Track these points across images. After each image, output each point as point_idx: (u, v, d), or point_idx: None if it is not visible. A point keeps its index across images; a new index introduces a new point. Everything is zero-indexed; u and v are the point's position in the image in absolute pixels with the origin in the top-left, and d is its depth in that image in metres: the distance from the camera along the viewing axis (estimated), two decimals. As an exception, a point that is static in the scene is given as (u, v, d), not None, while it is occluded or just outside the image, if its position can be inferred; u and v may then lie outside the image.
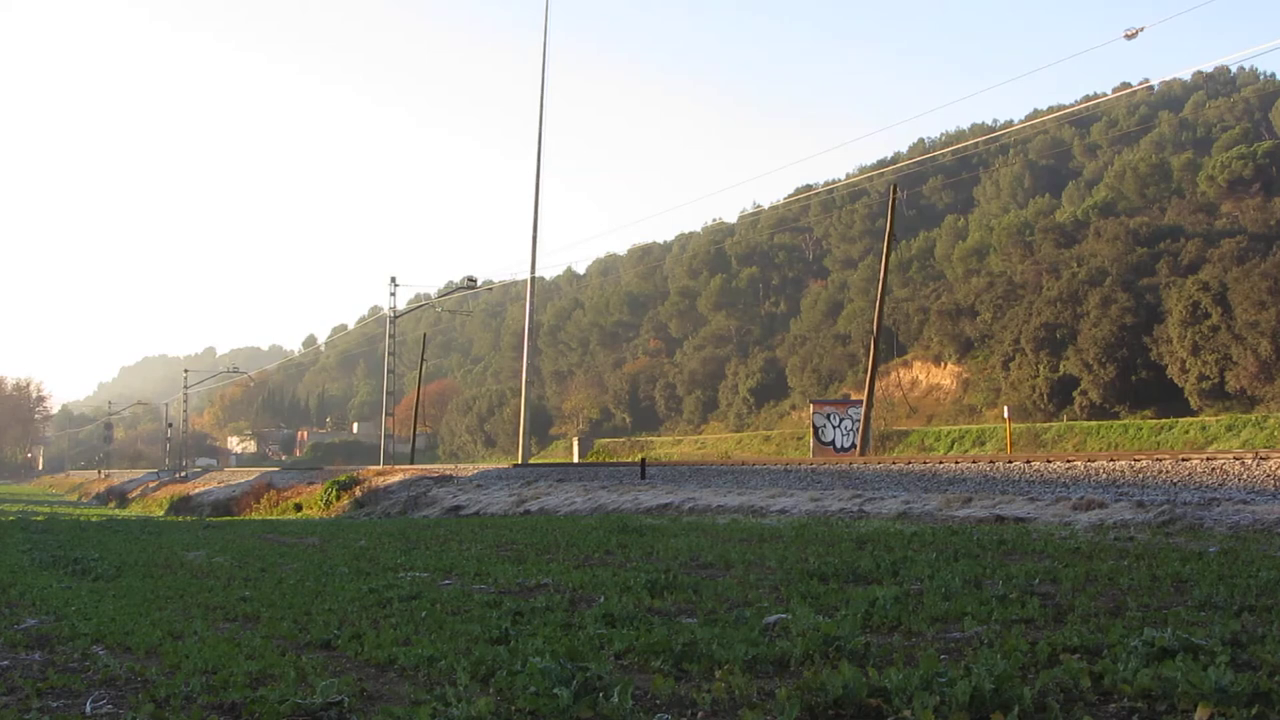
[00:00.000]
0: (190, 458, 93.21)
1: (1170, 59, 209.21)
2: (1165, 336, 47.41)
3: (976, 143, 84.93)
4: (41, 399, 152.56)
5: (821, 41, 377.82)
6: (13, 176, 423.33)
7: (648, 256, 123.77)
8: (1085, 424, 46.11)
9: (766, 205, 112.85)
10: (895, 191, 36.16)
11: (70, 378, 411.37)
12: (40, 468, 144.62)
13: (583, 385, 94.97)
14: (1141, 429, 41.59)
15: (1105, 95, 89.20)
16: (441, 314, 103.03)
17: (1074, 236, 63.37)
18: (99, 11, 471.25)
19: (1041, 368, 51.48)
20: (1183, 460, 15.40)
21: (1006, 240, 68.82)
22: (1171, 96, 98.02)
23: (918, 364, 65.48)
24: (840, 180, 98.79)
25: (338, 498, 31.20)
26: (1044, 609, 5.32)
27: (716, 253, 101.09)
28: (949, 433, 49.94)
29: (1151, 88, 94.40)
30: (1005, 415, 40.37)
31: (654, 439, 71.75)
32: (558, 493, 22.16)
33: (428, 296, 79.13)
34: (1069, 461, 17.31)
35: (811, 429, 43.22)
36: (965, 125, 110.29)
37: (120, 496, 62.59)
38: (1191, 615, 4.93)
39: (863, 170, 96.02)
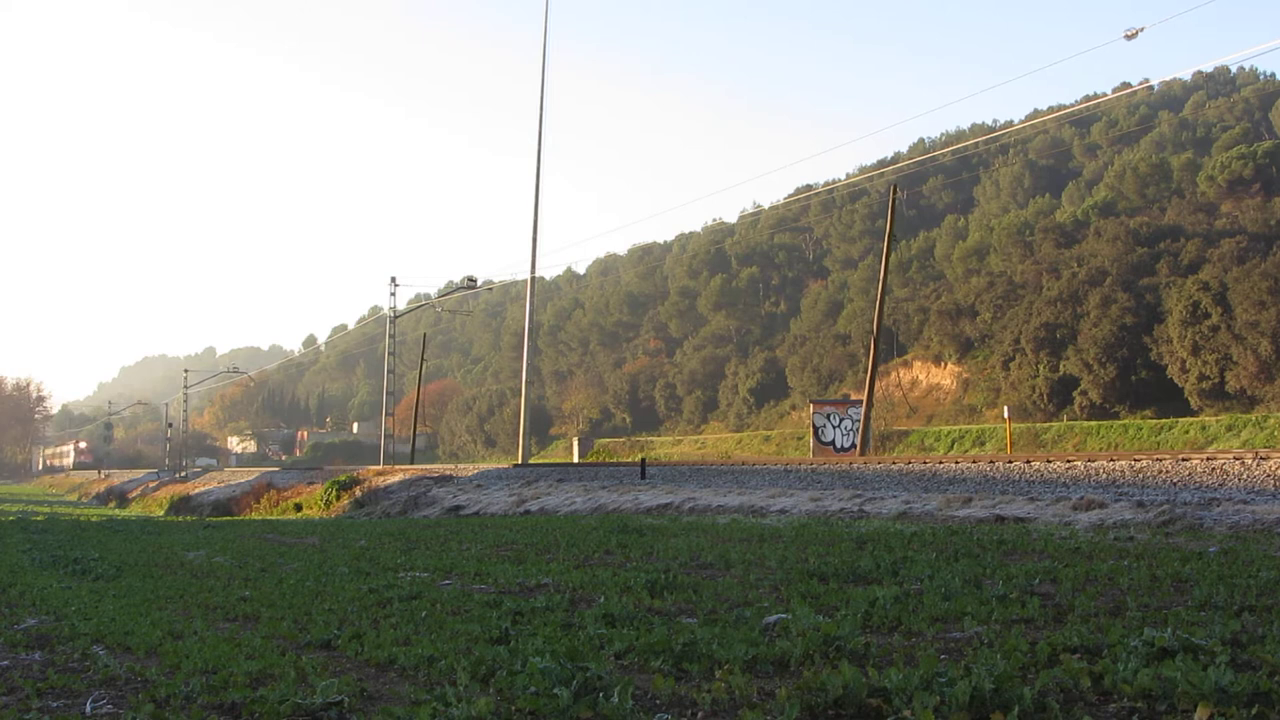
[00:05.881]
0: (190, 458, 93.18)
1: (1170, 59, 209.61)
2: (1165, 336, 47.39)
3: (976, 143, 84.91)
4: (41, 399, 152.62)
5: (821, 41, 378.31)
6: (13, 176, 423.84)
7: (648, 256, 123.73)
8: (1085, 424, 46.09)
9: (766, 205, 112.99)
10: (895, 191, 36.14)
11: (70, 378, 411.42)
12: (41, 467, 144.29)
13: (583, 385, 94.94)
14: (1141, 429, 41.57)
15: (1105, 95, 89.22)
16: (441, 314, 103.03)
17: (1074, 236, 63.34)
18: (99, 11, 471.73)
19: (1041, 368, 51.46)
20: (1183, 460, 15.40)
21: (1006, 240, 68.78)
22: (1171, 96, 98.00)
23: (918, 364, 65.45)
24: (840, 180, 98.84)
25: (338, 498, 31.18)
26: (1044, 609, 5.32)
27: (716, 253, 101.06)
28: (949, 433, 49.92)
29: (1151, 88, 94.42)
30: (1005, 415, 40.36)
31: (654, 439, 71.73)
32: (558, 493, 22.16)
33: (428, 296, 79.22)
34: (1069, 461, 17.31)
35: (811, 429, 43.22)
36: (965, 125, 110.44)
37: (120, 496, 62.56)
38: (1191, 615, 4.93)
39: (863, 170, 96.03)
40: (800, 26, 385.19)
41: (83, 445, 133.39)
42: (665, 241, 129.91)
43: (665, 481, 21.95)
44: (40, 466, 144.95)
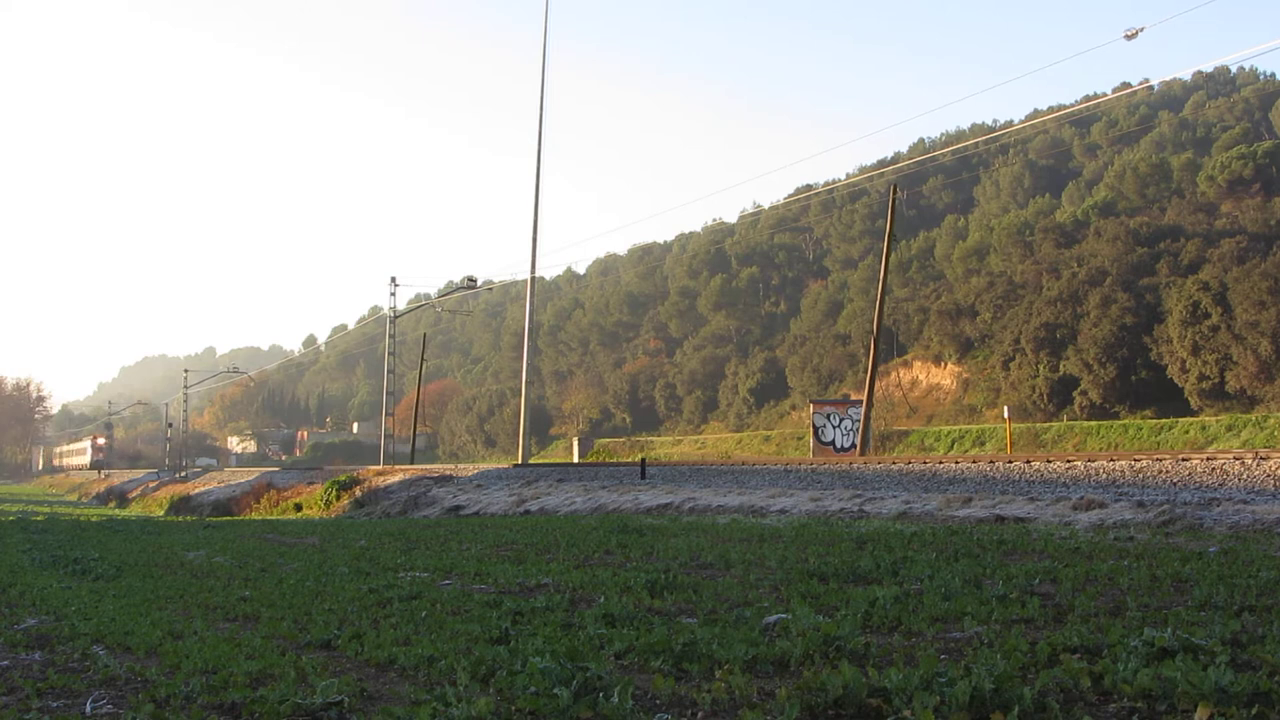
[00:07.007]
0: (190, 458, 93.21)
1: (1170, 59, 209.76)
2: (1165, 336, 47.38)
3: (976, 143, 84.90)
4: (41, 399, 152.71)
5: (821, 41, 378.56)
6: (13, 176, 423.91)
7: (648, 256, 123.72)
8: (1085, 424, 46.08)
9: (766, 205, 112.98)
10: (895, 191, 36.13)
11: (70, 378, 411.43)
12: (42, 466, 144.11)
13: (583, 385, 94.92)
14: (1141, 429, 41.56)
15: (1105, 95, 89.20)
16: (441, 314, 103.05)
17: (1074, 236, 63.33)
18: (99, 11, 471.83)
19: (1041, 368, 51.46)
20: (1183, 460, 15.40)
21: (1006, 240, 68.77)
22: (1171, 96, 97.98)
23: (918, 364, 65.44)
24: (840, 180, 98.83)
25: (338, 498, 31.18)
26: (1044, 609, 5.32)
27: (716, 253, 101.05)
28: (949, 433, 49.92)
29: (1151, 88, 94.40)
30: (1005, 415, 40.34)
31: (654, 439, 71.73)
32: (558, 493, 22.16)
33: (428, 296, 79.23)
34: (1069, 461, 17.31)
35: (811, 429, 43.21)
36: (965, 125, 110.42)
37: (120, 496, 62.56)
38: (1191, 615, 4.93)
39: (863, 170, 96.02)
40: (800, 26, 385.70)
41: (100, 441, 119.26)
42: (665, 241, 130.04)
43: (665, 481, 21.95)
44: (40, 466, 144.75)
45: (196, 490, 51.15)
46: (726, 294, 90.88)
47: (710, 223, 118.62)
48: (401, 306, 58.26)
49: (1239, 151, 63.44)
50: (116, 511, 46.11)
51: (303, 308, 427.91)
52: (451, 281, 72.42)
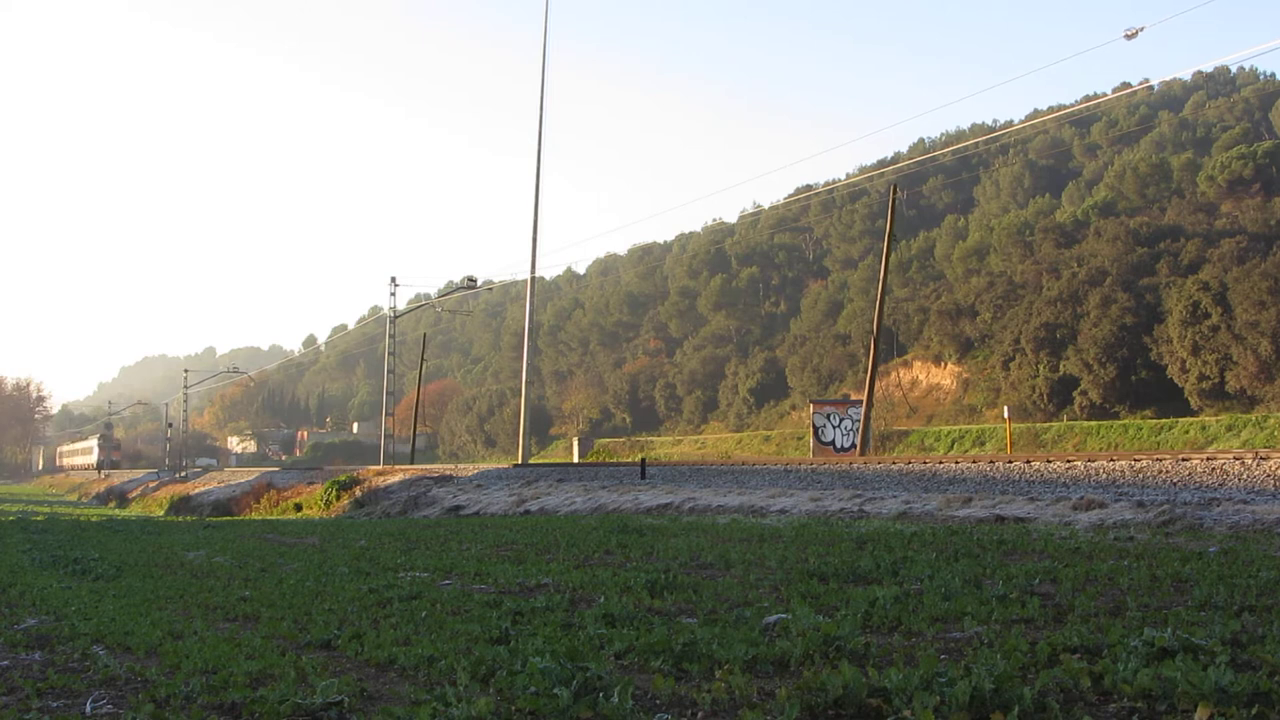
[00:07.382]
0: (190, 458, 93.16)
1: (1170, 59, 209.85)
2: (1165, 336, 47.38)
3: (976, 143, 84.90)
4: (41, 399, 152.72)
5: (821, 41, 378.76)
6: (13, 176, 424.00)
7: (648, 256, 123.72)
8: (1085, 424, 46.08)
9: (766, 205, 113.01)
10: (895, 191, 36.12)
11: (70, 378, 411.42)
12: (42, 467, 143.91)
13: (583, 385, 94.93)
14: (1141, 429, 41.56)
15: (1105, 95, 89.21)
16: (441, 314, 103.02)
17: (1074, 236, 63.32)
18: (99, 11, 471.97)
19: (1041, 368, 51.46)
20: (1183, 460, 15.40)
21: (1006, 240, 68.76)
22: (1171, 96, 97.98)
23: (918, 364, 65.44)
24: (840, 180, 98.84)
25: (338, 498, 31.18)
26: (1044, 609, 5.32)
27: (716, 253, 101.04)
28: (949, 433, 49.91)
29: (1151, 88, 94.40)
30: (1005, 415, 40.34)
31: (654, 439, 71.72)
32: (558, 493, 22.16)
33: (428, 296, 79.21)
34: (1069, 461, 17.31)
35: (811, 429, 43.21)
36: (965, 125, 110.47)
37: (120, 496, 62.53)
38: (1191, 615, 4.92)
39: (863, 170, 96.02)
40: (800, 26, 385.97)
41: (107, 440, 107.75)
42: (665, 241, 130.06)
43: (665, 481, 21.95)
44: (40, 466, 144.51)
45: (196, 490, 51.13)
46: (726, 294, 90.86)
47: (710, 223, 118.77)
48: (401, 306, 58.28)
49: (1239, 151, 63.43)
50: (116, 511, 46.09)
51: (303, 308, 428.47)
52: (451, 281, 72.45)
